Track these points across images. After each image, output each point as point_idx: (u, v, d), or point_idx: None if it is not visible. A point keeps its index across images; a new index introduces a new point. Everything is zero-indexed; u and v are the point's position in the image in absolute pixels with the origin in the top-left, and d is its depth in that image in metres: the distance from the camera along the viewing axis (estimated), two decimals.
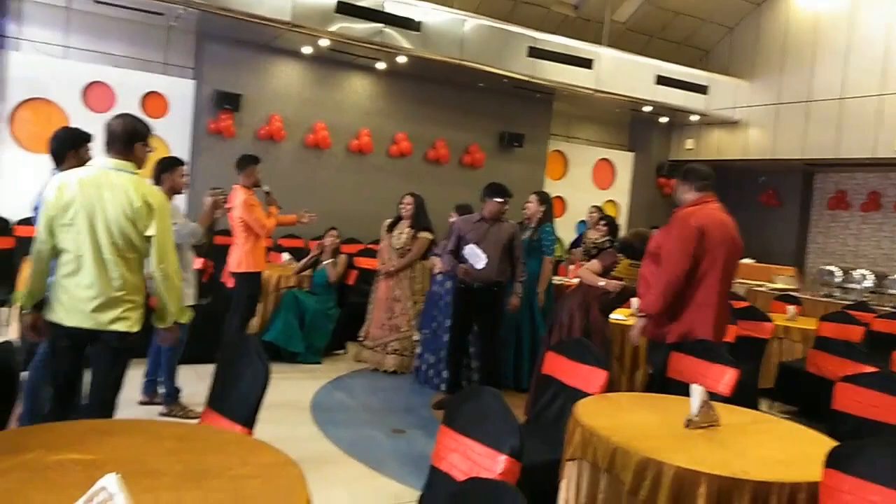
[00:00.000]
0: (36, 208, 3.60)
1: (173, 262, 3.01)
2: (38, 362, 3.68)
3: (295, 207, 6.21)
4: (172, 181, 4.37)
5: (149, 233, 2.91)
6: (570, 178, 11.98)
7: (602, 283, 4.53)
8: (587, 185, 12.12)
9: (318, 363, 6.12)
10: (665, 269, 3.60)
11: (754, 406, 5.10)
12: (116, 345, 2.92)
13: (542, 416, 3.27)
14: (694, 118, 11.35)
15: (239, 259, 5.35)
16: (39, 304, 2.96)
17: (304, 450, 3.62)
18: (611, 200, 12.34)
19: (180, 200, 5.81)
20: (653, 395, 3.29)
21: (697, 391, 2.71)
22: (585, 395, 3.03)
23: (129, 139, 2.96)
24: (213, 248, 4.85)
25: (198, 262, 4.86)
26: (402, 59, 8.71)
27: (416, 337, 5.94)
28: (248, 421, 2.45)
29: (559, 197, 11.79)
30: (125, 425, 2.21)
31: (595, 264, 4.68)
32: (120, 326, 2.89)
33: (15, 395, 2.19)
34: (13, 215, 7.53)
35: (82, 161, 3.67)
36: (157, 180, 4.41)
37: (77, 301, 2.87)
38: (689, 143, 12.04)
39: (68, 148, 3.64)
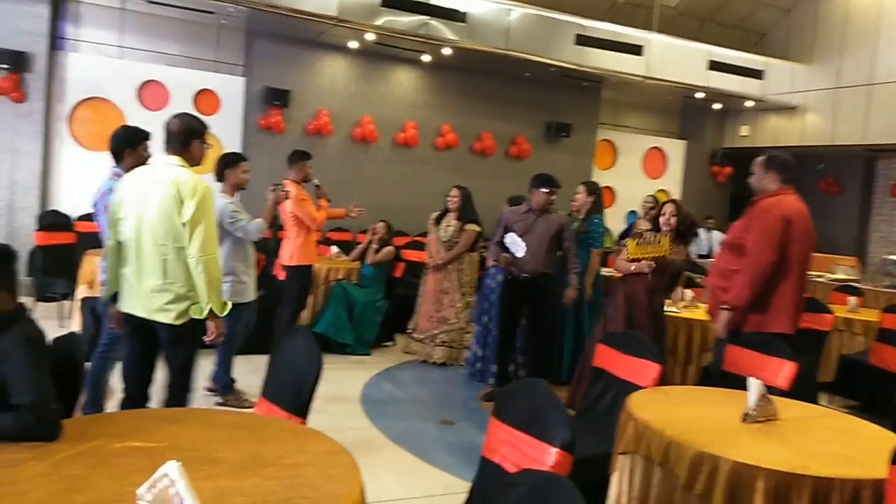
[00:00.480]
0: (95, 205, 3.73)
1: (213, 252, 3.02)
2: (100, 353, 3.80)
3: (343, 201, 6.27)
4: (235, 177, 4.46)
5: (183, 219, 2.94)
6: (620, 167, 11.80)
7: (632, 267, 4.44)
8: (637, 175, 11.92)
9: (368, 355, 6.19)
10: (751, 260, 3.53)
11: (814, 400, 4.94)
12: (167, 335, 3.02)
13: (592, 408, 3.23)
14: (749, 104, 11.02)
15: (291, 252, 5.44)
16: (115, 295, 3.15)
17: (355, 439, 3.69)
18: (662, 190, 12.08)
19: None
20: (708, 388, 3.22)
21: (755, 385, 2.64)
22: (637, 388, 2.98)
23: (185, 137, 3.07)
24: (264, 241, 4.93)
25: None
26: (447, 51, 8.70)
27: (469, 330, 5.96)
28: (302, 411, 2.49)
29: (608, 187, 11.61)
30: (184, 414, 2.27)
31: (624, 251, 4.61)
32: (161, 317, 2.99)
33: (80, 385, 2.27)
34: (74, 211, 7.81)
35: (141, 158, 3.77)
36: (220, 176, 4.50)
37: (131, 290, 3.06)
38: (745, 130, 11.70)
39: (126, 146, 3.74)
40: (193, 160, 3.10)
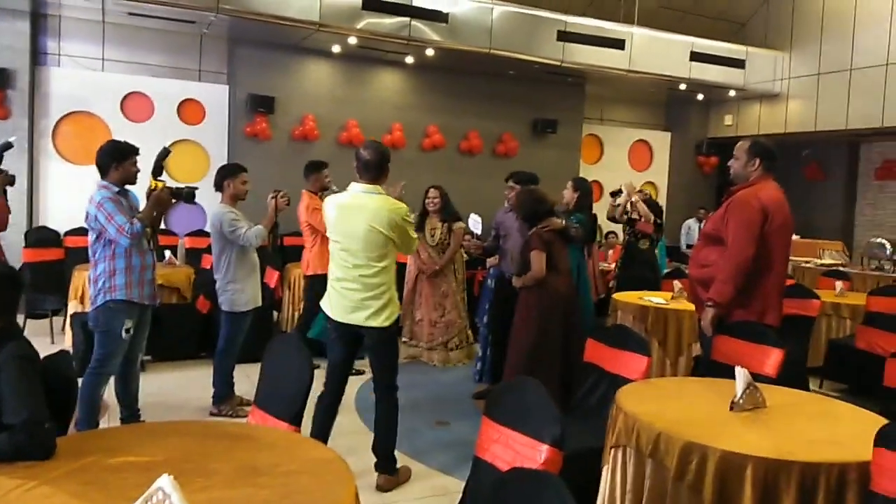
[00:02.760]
0: (94, 217, 3.70)
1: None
2: (93, 369, 3.80)
3: None
4: (234, 188, 4.48)
5: (390, 238, 3.38)
6: (607, 161, 11.85)
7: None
8: (624, 168, 11.97)
9: (361, 358, 6.16)
10: (732, 254, 3.48)
11: (804, 386, 5.00)
12: (372, 339, 3.51)
13: (584, 403, 3.27)
14: (732, 93, 11.10)
15: (307, 261, 5.49)
16: None
17: (350, 442, 3.71)
18: (650, 182, 12.16)
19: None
20: (696, 378, 3.26)
21: (741, 374, 2.68)
22: (627, 381, 3.02)
23: (382, 164, 3.43)
24: (261, 249, 4.93)
25: None
26: (430, 53, 8.72)
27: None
28: (295, 418, 2.51)
29: (596, 181, 11.65)
30: (178, 427, 2.29)
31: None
32: (371, 322, 3.44)
33: (73, 402, 2.29)
34: (62, 226, 7.80)
35: (128, 174, 3.79)
36: (219, 187, 4.50)
37: (342, 300, 3.49)
38: (728, 119, 11.79)
39: (112, 161, 3.76)
40: (385, 183, 3.50)
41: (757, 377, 3.13)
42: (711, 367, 3.49)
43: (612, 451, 2.60)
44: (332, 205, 3.50)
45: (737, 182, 3.71)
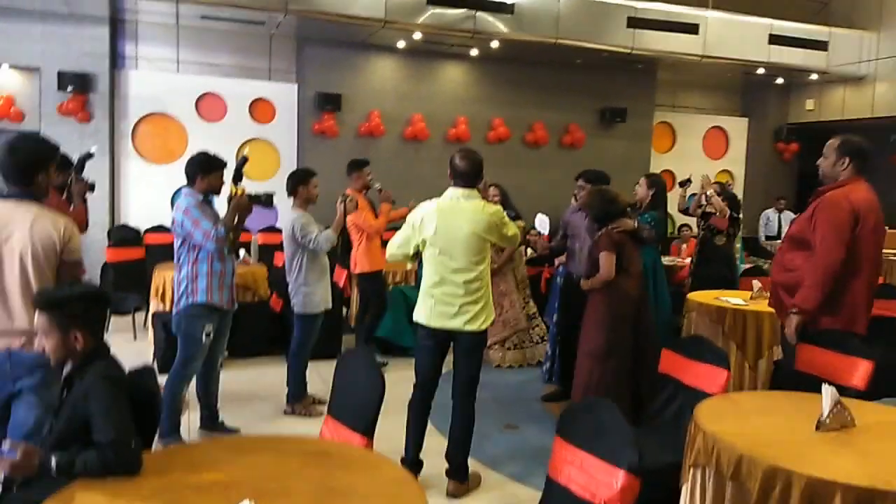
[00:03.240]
0: (181, 223, 3.84)
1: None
2: (176, 369, 3.95)
3: (398, 201, 6.27)
4: (307, 193, 4.58)
5: (494, 241, 3.52)
6: (679, 149, 11.51)
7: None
8: (698, 156, 11.60)
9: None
10: (819, 258, 3.32)
11: None
12: (467, 343, 3.53)
13: (659, 416, 3.18)
14: (814, 77, 10.56)
15: (355, 260, 5.54)
16: None
17: None
18: (726, 170, 11.75)
19: None
20: (778, 393, 3.11)
21: (827, 391, 2.54)
22: (705, 395, 2.91)
23: (477, 172, 3.50)
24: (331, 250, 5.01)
25: None
26: (495, 44, 8.63)
27: (534, 326, 6.03)
28: (368, 430, 2.53)
29: (668, 171, 11.33)
30: (257, 443, 2.35)
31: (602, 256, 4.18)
32: (469, 327, 3.47)
33: (157, 415, 2.37)
34: (142, 224, 8.13)
35: (213, 186, 3.92)
36: (292, 192, 4.59)
37: (437, 306, 3.52)
38: (810, 104, 11.22)
39: (199, 172, 3.92)
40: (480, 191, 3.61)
41: (844, 390, 2.98)
42: (794, 377, 3.34)
43: (692, 469, 2.51)
44: (430, 210, 3.49)
45: (825, 182, 3.52)
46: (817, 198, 3.50)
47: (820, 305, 3.36)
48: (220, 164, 3.99)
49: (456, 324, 3.44)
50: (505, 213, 3.58)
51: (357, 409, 2.60)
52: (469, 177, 3.48)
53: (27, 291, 2.59)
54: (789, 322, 3.44)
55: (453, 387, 3.60)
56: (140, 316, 6.59)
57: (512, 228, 3.57)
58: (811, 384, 3.12)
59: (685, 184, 6.38)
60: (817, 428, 2.50)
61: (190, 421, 4.27)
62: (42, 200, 2.72)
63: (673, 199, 6.86)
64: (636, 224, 5.01)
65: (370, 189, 5.59)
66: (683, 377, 3.13)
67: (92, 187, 4.82)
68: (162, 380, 4.97)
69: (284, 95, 9.09)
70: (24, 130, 8.13)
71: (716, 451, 2.37)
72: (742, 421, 2.60)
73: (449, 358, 3.66)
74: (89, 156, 4.66)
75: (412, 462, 3.56)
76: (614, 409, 2.17)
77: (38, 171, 2.70)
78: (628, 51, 8.98)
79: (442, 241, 3.43)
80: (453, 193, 3.49)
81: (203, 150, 4.07)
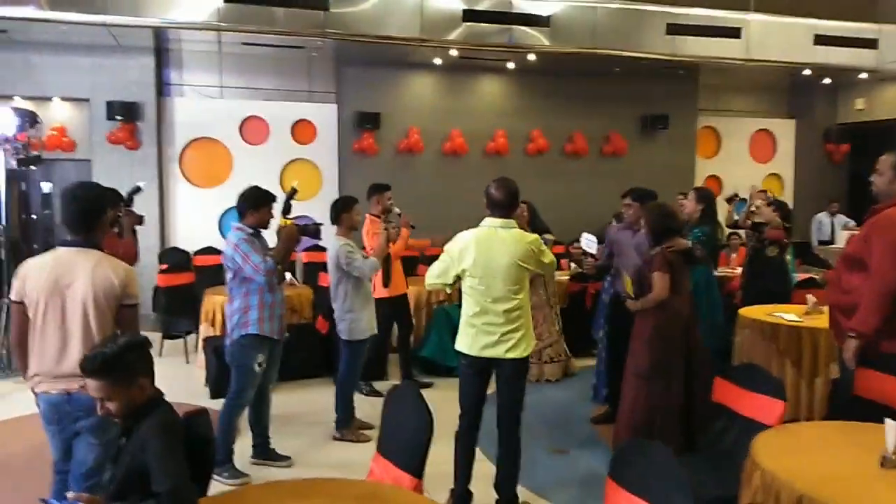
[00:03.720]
0: (231, 258, 3.92)
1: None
2: (231, 399, 4.02)
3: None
4: (350, 220, 4.62)
5: (536, 270, 3.55)
6: (725, 154, 11.28)
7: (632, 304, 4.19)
8: (744, 160, 11.35)
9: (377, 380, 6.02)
10: (876, 279, 3.21)
11: None
12: (511, 370, 3.53)
13: (713, 447, 3.10)
14: (863, 75, 10.23)
15: (374, 285, 5.55)
16: None
17: None
18: (774, 174, 11.47)
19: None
20: (838, 424, 3.00)
21: (891, 426, 2.44)
22: (761, 426, 2.83)
23: (512, 202, 3.52)
24: None
25: None
26: (532, 57, 8.59)
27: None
28: (417, 470, 2.52)
29: (714, 176, 11.13)
30: (311, 488, 2.36)
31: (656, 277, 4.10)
32: (511, 354, 3.47)
33: (211, 460, 2.41)
34: (191, 246, 8.31)
35: (262, 220, 4.00)
36: (336, 220, 4.63)
37: (479, 334, 3.52)
38: (860, 103, 10.88)
39: (249, 207, 4.01)
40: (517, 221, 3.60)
41: None
42: (854, 404, 3.22)
43: None
44: (469, 241, 3.48)
45: (881, 199, 3.40)
46: (872, 216, 3.38)
47: (879, 328, 3.24)
48: (270, 199, 4.06)
49: (497, 352, 3.43)
50: (542, 241, 3.57)
51: (406, 448, 2.60)
52: (505, 206, 3.48)
53: (87, 336, 2.69)
54: (847, 345, 3.32)
55: (498, 415, 3.56)
56: (192, 339, 6.73)
57: (549, 256, 3.58)
58: (871, 409, 3.01)
59: (731, 200, 6.23)
60: (882, 464, 2.40)
61: (243, 448, 4.33)
62: (101, 246, 2.82)
63: (720, 210, 6.74)
64: (689, 244, 4.92)
65: (389, 213, 5.55)
66: (738, 407, 3.05)
67: (141, 220, 4.95)
68: (212, 405, 5.09)
69: (325, 116, 9.23)
70: (76, 160, 8.43)
71: (774, 490, 2.31)
72: (801, 457, 2.52)
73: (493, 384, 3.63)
74: (138, 190, 4.80)
75: (462, 493, 3.54)
76: (668, 453, 2.12)
77: (98, 217, 2.81)
78: (668, 57, 8.84)
79: (481, 272, 3.42)
80: (491, 223, 3.49)
81: (254, 185, 4.14)
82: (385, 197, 5.53)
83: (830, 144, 11.26)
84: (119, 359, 2.15)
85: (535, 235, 3.60)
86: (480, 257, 3.42)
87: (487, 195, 3.52)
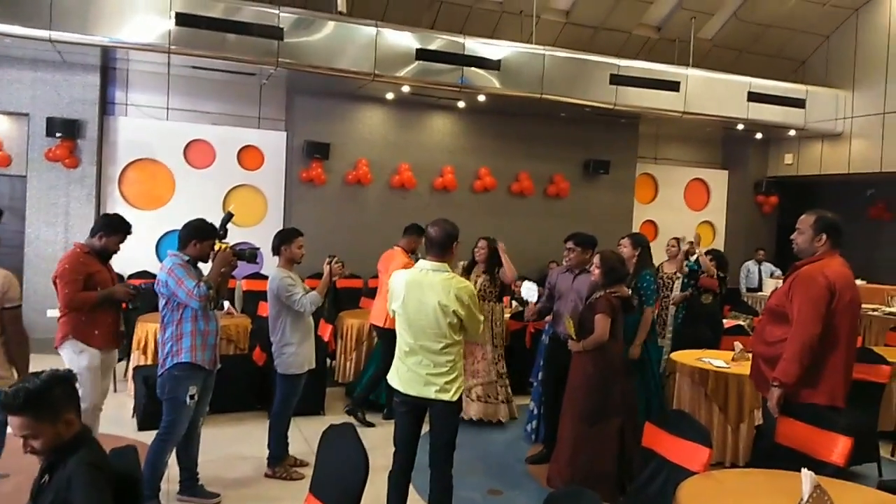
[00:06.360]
0: (165, 283, 3.84)
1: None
2: (161, 435, 3.91)
3: (382, 249, 6.27)
4: (290, 252, 4.55)
5: (459, 318, 3.37)
6: (662, 200, 11.70)
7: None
8: (680, 207, 11.80)
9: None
10: (797, 332, 3.37)
11: (875, 456, 4.77)
12: (441, 410, 3.46)
13: (642, 492, 3.19)
14: (792, 133, 10.84)
15: (379, 310, 5.64)
16: None
17: None
18: (706, 221, 11.94)
19: None
20: (760, 471, 3.13)
21: (807, 476, 2.56)
22: (688, 472, 2.93)
23: (447, 243, 3.45)
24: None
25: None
26: (482, 98, 8.79)
27: (503, 383, 5.94)
28: None
29: (651, 221, 11.53)
30: None
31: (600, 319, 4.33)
32: (441, 396, 3.41)
33: (140, 497, 2.34)
34: (125, 270, 8.07)
35: (203, 252, 3.94)
36: (276, 251, 4.58)
37: (410, 374, 3.48)
38: (789, 158, 11.49)
39: (192, 238, 3.97)
40: (452, 261, 3.53)
41: (823, 466, 3.03)
42: (776, 451, 3.36)
43: None
44: (401, 282, 3.48)
45: (802, 256, 3.60)
46: (794, 272, 3.57)
47: (799, 379, 3.41)
48: (213, 233, 4.02)
49: (427, 392, 3.40)
50: (475, 294, 3.47)
51: (340, 490, 2.58)
52: (440, 246, 3.45)
53: None
54: (771, 394, 3.48)
55: (430, 454, 3.53)
56: (121, 366, 6.49)
57: (477, 318, 3.45)
58: (791, 457, 3.15)
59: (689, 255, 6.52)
60: None
61: (169, 484, 4.20)
62: None
63: (658, 246, 6.97)
64: (636, 283, 5.12)
65: (413, 254, 5.79)
66: (667, 453, 3.15)
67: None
68: (140, 436, 4.92)
69: (273, 143, 9.18)
70: (10, 175, 8.13)
71: None
72: (724, 501, 2.62)
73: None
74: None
75: None
76: (597, 501, 2.18)
77: None
78: (611, 106, 9.19)
79: (411, 314, 3.41)
80: (423, 265, 3.48)
81: (201, 217, 4.08)
82: (420, 241, 5.34)
83: (760, 196, 11.82)
84: (42, 394, 2.06)
85: (469, 284, 3.50)
86: (409, 299, 3.41)
87: (426, 234, 3.53)
